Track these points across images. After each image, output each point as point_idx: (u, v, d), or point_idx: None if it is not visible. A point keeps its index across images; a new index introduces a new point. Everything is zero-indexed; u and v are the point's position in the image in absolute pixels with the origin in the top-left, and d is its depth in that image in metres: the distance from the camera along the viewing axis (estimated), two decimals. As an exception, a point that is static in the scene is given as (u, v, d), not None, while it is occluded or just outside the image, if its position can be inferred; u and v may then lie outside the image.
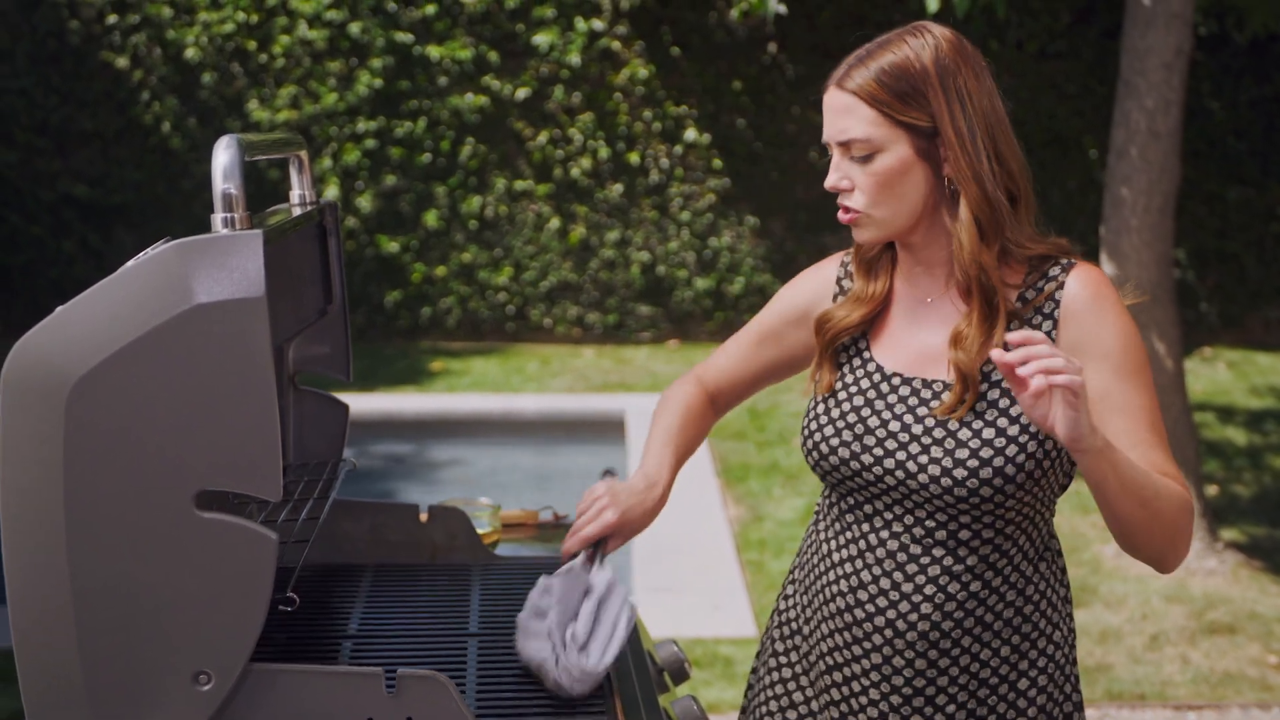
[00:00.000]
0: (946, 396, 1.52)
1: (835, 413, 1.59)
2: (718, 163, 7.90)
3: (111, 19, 7.67)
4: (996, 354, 1.35)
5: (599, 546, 1.62)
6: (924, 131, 1.49)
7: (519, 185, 7.88)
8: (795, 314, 1.69)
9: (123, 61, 7.72)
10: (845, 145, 1.51)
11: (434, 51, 7.74)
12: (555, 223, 7.90)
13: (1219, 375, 7.22)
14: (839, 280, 1.67)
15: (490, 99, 7.80)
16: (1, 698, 3.44)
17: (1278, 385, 7.01)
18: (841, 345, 1.62)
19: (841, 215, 1.54)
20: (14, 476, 1.31)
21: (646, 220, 7.94)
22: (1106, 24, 7.63)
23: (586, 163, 7.85)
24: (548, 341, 8.00)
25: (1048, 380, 1.32)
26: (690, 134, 7.86)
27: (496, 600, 1.80)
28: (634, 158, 7.86)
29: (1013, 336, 1.36)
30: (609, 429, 6.14)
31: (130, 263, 1.33)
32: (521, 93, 7.78)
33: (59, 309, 1.32)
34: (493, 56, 7.79)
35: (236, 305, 1.29)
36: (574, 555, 1.61)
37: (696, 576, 4.37)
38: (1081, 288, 1.51)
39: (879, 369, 1.59)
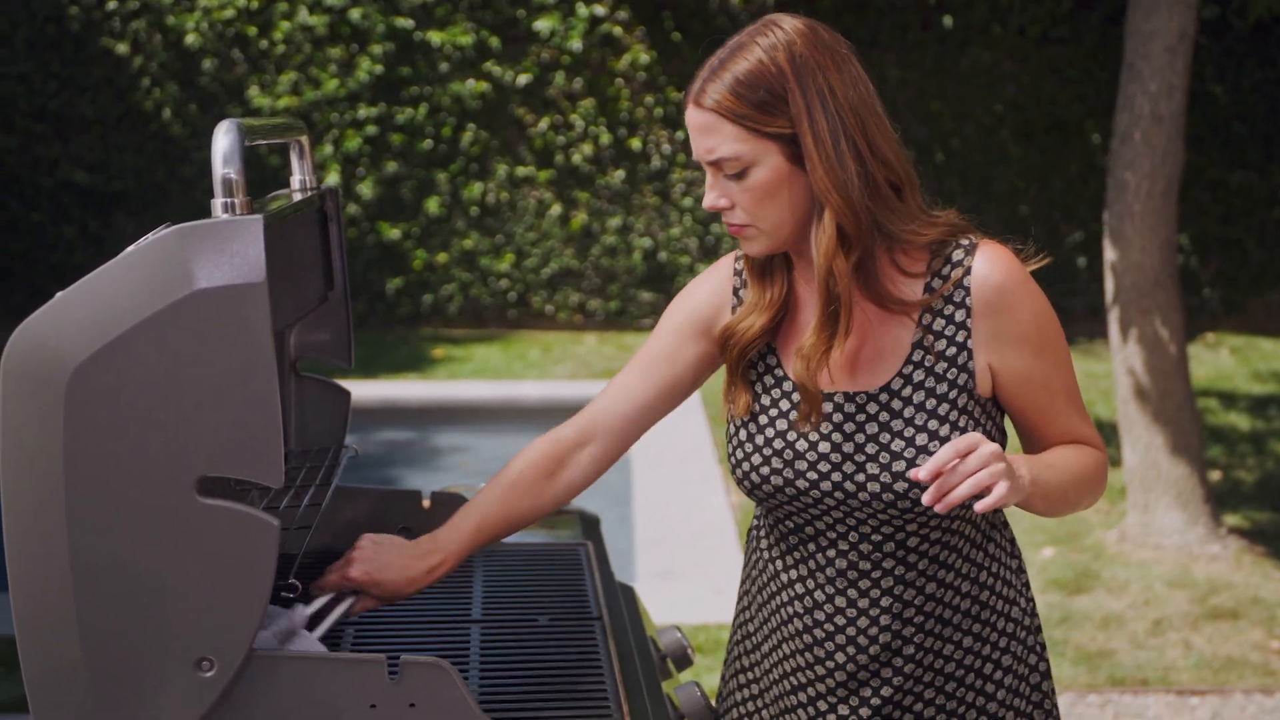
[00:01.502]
0: (870, 408, 1.47)
1: (760, 439, 1.51)
2: (719, 148, 7.88)
3: (111, 4, 7.65)
4: (914, 474, 1.34)
5: (346, 605, 1.51)
6: (791, 138, 1.41)
7: (520, 171, 7.87)
8: (692, 326, 1.57)
9: (122, 47, 7.70)
10: (715, 165, 1.43)
11: (435, 37, 7.71)
12: (557, 209, 7.89)
13: (1222, 361, 7.21)
14: (735, 290, 1.56)
15: (491, 85, 7.78)
16: (4, 684, 3.45)
17: (1280, 371, 7.00)
18: (750, 361, 1.53)
19: (730, 230, 1.47)
20: (14, 463, 1.30)
21: (648, 206, 7.92)
22: (1109, 9, 7.60)
23: (588, 149, 7.83)
24: (550, 328, 7.99)
25: (992, 497, 1.33)
26: (692, 120, 7.84)
27: (499, 587, 1.80)
28: (636, 143, 7.84)
29: (922, 474, 1.33)
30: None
31: (130, 248, 1.32)
32: (523, 78, 7.76)
33: (59, 295, 1.31)
34: (494, 42, 7.76)
35: (237, 291, 1.28)
36: (318, 596, 1.52)
37: (699, 562, 4.37)
38: (991, 272, 1.45)
39: (796, 387, 1.49)
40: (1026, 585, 1.59)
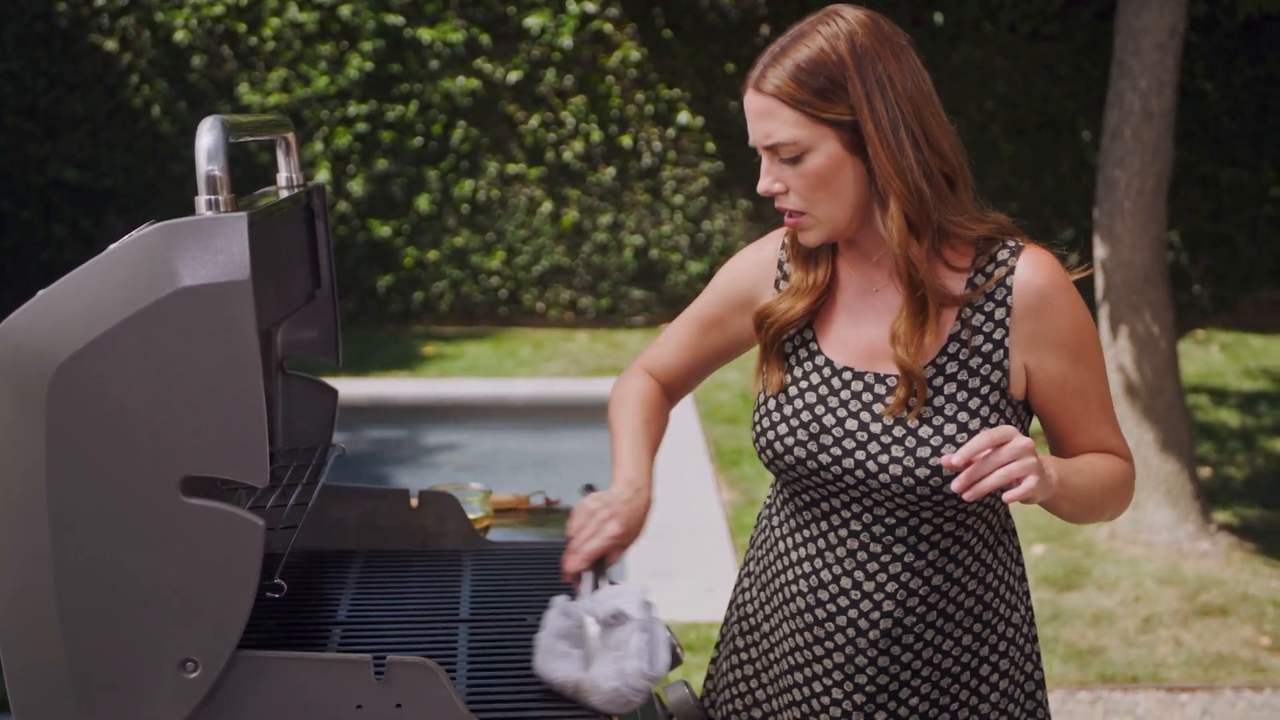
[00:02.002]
0: (900, 392, 1.49)
1: (788, 409, 1.54)
2: (710, 146, 7.88)
3: (100, 1, 7.62)
4: (946, 461, 1.36)
5: (602, 563, 1.55)
6: (849, 125, 1.44)
7: (511, 169, 7.85)
8: (737, 299, 1.62)
9: (111, 44, 7.67)
10: (772, 149, 1.47)
11: (425, 34, 7.70)
12: (548, 206, 7.87)
13: (1212, 357, 7.23)
14: (780, 264, 1.60)
15: (482, 82, 7.76)
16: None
17: (1270, 367, 7.01)
18: (786, 338, 1.57)
19: (786, 220, 1.50)
20: (-3, 463, 1.29)
21: (639, 204, 7.91)
22: (1100, 5, 7.61)
23: (579, 146, 7.82)
24: (540, 326, 7.98)
25: (1021, 488, 1.35)
26: (683, 117, 7.83)
27: (487, 586, 1.79)
28: (626, 141, 7.83)
29: (955, 459, 1.35)
30: (601, 413, 6.11)
31: (113, 245, 1.31)
32: (513, 76, 7.75)
33: (41, 293, 1.30)
34: (484, 39, 7.74)
35: (221, 288, 1.27)
36: (579, 573, 1.53)
37: (690, 561, 4.37)
38: (1034, 275, 1.48)
39: (829, 363, 1.54)
40: (1028, 594, 1.61)
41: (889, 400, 1.49)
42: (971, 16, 7.78)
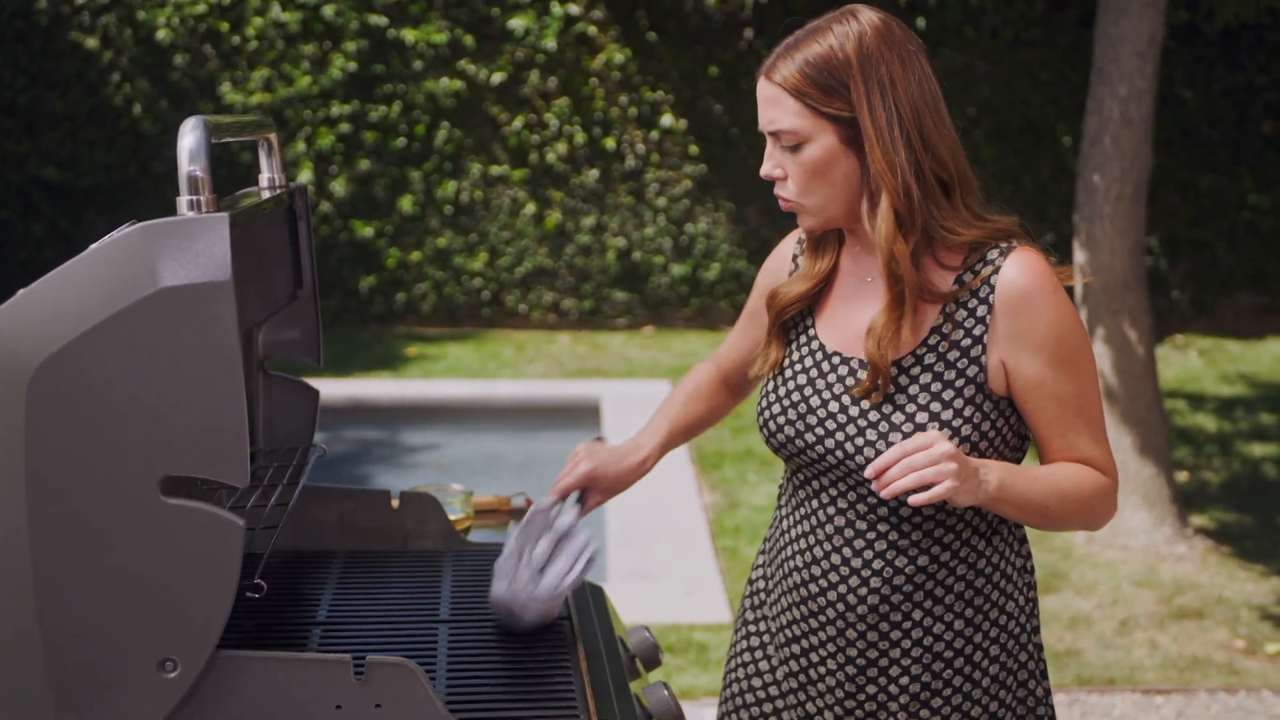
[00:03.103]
0: (880, 380, 1.55)
1: (782, 390, 1.63)
2: (694, 148, 7.89)
3: (81, -1, 7.59)
4: (870, 470, 1.44)
5: (580, 501, 1.70)
6: (848, 121, 1.50)
7: (494, 170, 7.85)
8: (766, 292, 1.73)
9: (92, 42, 7.64)
10: (775, 135, 1.54)
11: (408, 35, 7.69)
12: (531, 208, 7.87)
13: (1190, 362, 7.28)
14: (794, 257, 1.71)
15: (465, 83, 7.76)
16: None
17: (1248, 372, 7.07)
18: (792, 322, 1.66)
19: (781, 204, 1.57)
20: (-24, 462, 1.29)
21: (622, 206, 7.92)
22: (1081, 11, 7.66)
23: (562, 148, 7.83)
24: (523, 327, 7.98)
25: (929, 494, 1.41)
26: (667, 119, 7.84)
27: (468, 587, 1.79)
28: (610, 143, 7.84)
29: (869, 470, 1.43)
30: (584, 415, 6.13)
31: (94, 245, 1.31)
32: (497, 77, 7.74)
33: (20, 292, 1.30)
34: (468, 40, 7.74)
35: (202, 289, 1.27)
36: (542, 507, 1.68)
37: (671, 562, 4.37)
38: (1017, 275, 1.52)
39: (821, 347, 1.62)
40: (1030, 587, 1.64)
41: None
42: (954, 22, 7.82)
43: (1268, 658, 3.73)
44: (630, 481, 1.75)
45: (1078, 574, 4.27)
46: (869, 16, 1.53)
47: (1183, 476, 5.20)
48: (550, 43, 7.69)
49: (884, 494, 1.42)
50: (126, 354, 1.27)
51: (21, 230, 7.76)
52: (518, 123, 7.79)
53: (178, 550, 1.30)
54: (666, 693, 1.68)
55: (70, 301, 1.28)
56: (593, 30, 7.80)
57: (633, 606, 3.76)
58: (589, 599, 1.82)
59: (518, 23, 7.69)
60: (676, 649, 3.66)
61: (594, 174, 7.87)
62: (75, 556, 1.30)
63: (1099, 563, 4.35)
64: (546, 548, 1.63)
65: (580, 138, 7.82)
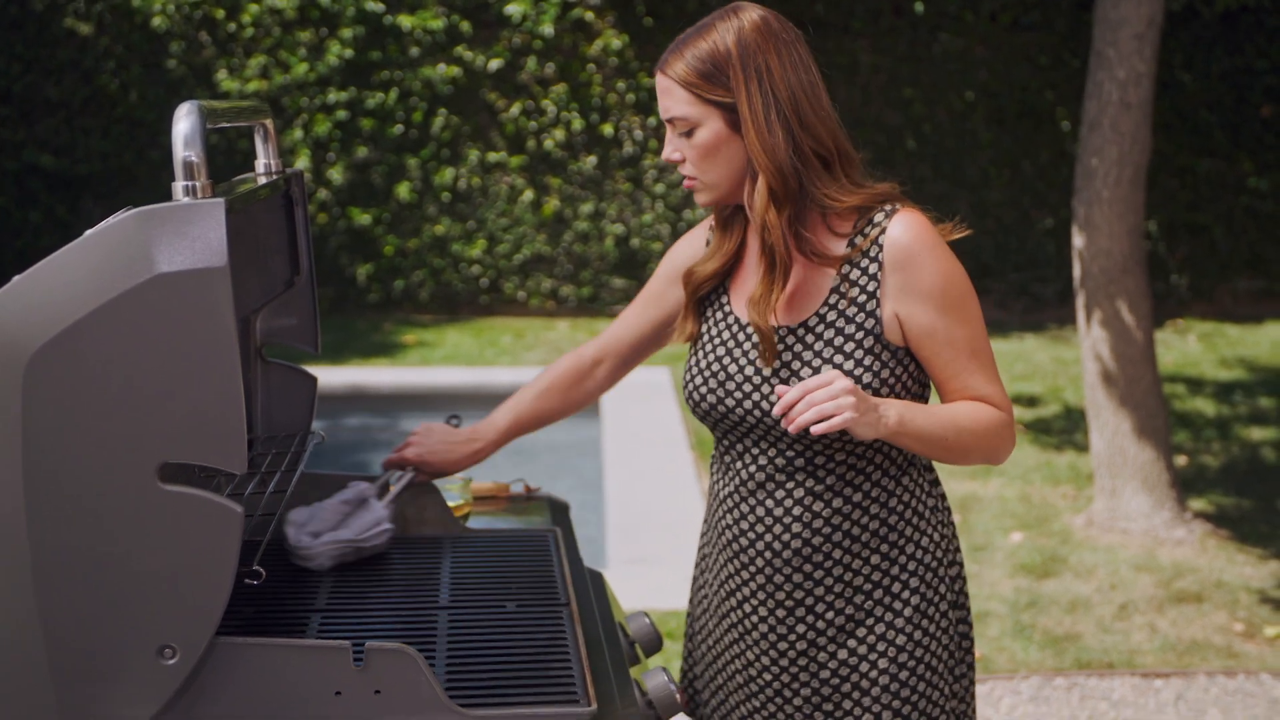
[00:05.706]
0: (789, 340, 1.70)
1: (703, 361, 1.78)
2: (691, 134, 7.87)
3: (76, -14, 7.55)
4: (777, 409, 1.58)
5: (407, 478, 1.87)
6: (730, 107, 1.67)
7: (492, 157, 7.83)
8: (674, 274, 1.89)
9: (87, 29, 7.61)
10: (671, 122, 1.71)
11: (405, 21, 7.66)
12: (529, 195, 7.86)
13: (1189, 347, 7.28)
14: (707, 242, 1.86)
15: (462, 70, 7.73)
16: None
17: (1247, 357, 7.07)
18: (706, 297, 1.81)
19: (684, 183, 1.75)
20: (-28, 450, 1.29)
21: (620, 192, 7.91)
22: (1080, -4, 7.64)
23: (560, 134, 7.81)
24: (521, 314, 7.97)
25: (829, 423, 1.55)
26: (664, 105, 7.82)
27: (467, 573, 1.79)
28: (608, 129, 7.82)
29: (777, 408, 1.58)
30: (582, 402, 6.12)
31: (90, 231, 1.30)
32: (494, 64, 7.72)
33: (17, 278, 1.29)
34: (465, 27, 7.71)
35: (198, 275, 1.27)
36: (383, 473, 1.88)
37: (669, 549, 4.38)
38: (902, 234, 1.67)
39: (736, 320, 1.77)
40: (945, 524, 1.78)
41: (779, 349, 1.70)
42: (952, 6, 7.79)
43: (1266, 641, 3.73)
44: (460, 467, 1.94)
45: (1077, 558, 4.28)
46: (749, 14, 1.69)
47: (1181, 461, 5.21)
48: (547, 29, 7.67)
49: (790, 429, 1.56)
50: (123, 340, 1.27)
51: (18, 218, 7.74)
52: (515, 109, 7.77)
53: (176, 537, 1.30)
54: (666, 678, 1.68)
55: (66, 287, 1.28)
56: (590, 16, 7.78)
57: (632, 592, 3.77)
58: (589, 585, 1.82)
59: (515, 8, 7.66)
60: (676, 634, 3.67)
61: (592, 160, 7.85)
62: (73, 544, 1.30)
63: (1098, 547, 4.35)
64: (335, 512, 1.78)
65: (578, 124, 7.80)
